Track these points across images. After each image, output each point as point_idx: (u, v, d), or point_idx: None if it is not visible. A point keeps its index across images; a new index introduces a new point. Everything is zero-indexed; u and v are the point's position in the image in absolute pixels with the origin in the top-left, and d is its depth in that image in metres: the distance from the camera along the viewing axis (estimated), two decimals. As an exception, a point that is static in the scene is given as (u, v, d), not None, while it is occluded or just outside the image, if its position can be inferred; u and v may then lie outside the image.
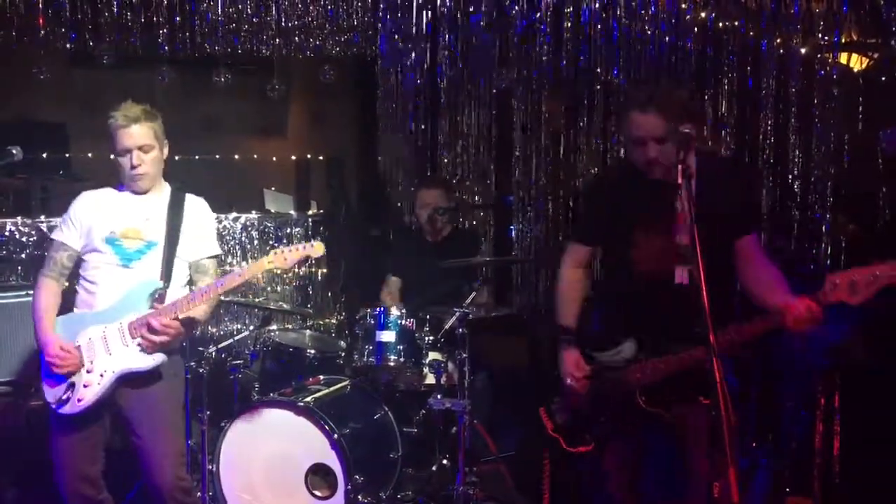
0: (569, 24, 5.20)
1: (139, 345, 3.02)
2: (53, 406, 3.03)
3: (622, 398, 2.84)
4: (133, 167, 3.09)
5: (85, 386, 3.00)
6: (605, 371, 2.92)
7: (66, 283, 3.24)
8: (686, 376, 2.70)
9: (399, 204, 6.32)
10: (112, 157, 3.17)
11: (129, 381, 3.05)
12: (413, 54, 6.10)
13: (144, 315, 3.02)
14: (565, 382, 2.96)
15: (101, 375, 3.00)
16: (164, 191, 3.26)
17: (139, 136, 3.08)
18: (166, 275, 3.12)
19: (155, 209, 3.19)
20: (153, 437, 3.09)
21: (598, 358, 2.95)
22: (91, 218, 3.17)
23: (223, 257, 5.74)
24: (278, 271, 3.16)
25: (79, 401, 3.00)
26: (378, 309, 4.27)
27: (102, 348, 3.03)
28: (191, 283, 3.26)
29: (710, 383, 2.27)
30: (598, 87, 5.17)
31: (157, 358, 3.05)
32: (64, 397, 3.01)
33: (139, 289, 3.07)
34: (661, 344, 2.77)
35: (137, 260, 3.11)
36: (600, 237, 3.06)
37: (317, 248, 3.05)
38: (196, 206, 3.29)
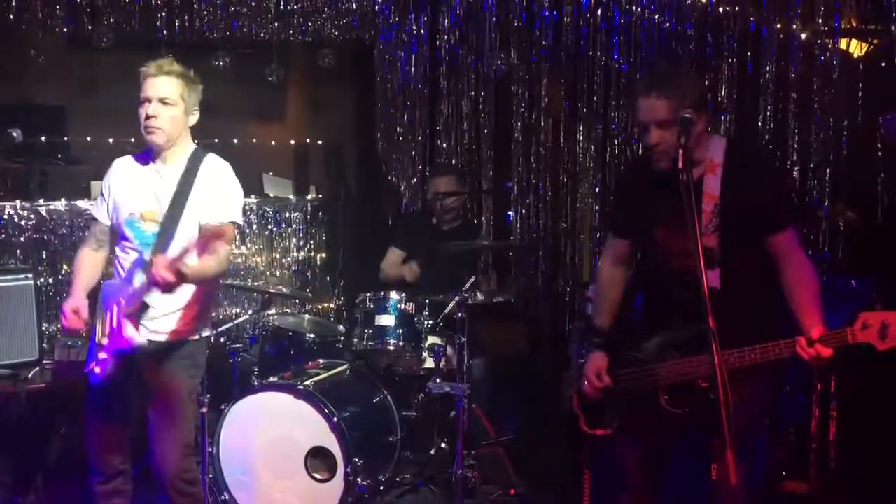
0: (568, 8, 5.18)
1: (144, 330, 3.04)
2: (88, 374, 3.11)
3: (645, 395, 2.77)
4: (147, 117, 3.00)
5: (101, 359, 3.04)
6: (633, 363, 2.83)
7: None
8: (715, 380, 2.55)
9: (401, 188, 6.31)
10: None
11: (151, 364, 3.07)
12: (412, 39, 6.08)
13: (132, 291, 3.00)
14: (582, 384, 2.90)
15: (106, 352, 3.04)
16: (183, 160, 3.13)
17: (163, 87, 3.00)
18: (159, 250, 3.02)
19: (169, 187, 3.10)
20: (163, 425, 3.13)
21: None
22: (118, 191, 3.15)
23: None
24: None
25: (97, 373, 3.05)
26: (379, 293, 4.29)
27: (109, 325, 3.06)
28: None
29: (710, 366, 2.29)
30: (598, 71, 5.16)
31: (140, 338, 3.00)
32: (88, 368, 3.09)
33: (137, 263, 3.06)
34: (691, 346, 2.66)
35: (153, 244, 3.07)
36: (628, 231, 2.98)
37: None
38: (210, 171, 3.13)
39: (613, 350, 2.89)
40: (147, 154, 3.17)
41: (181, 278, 2.80)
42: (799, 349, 2.49)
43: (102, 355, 3.02)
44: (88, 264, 3.21)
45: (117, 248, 3.19)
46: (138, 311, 3.00)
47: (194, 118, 3.15)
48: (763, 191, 2.68)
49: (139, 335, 3.00)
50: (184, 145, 3.16)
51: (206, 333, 3.26)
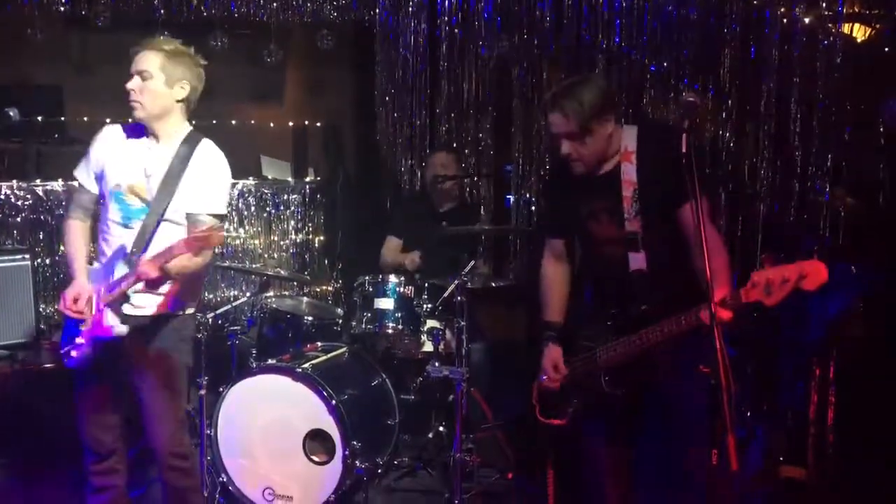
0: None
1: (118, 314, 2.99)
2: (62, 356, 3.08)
3: (590, 380, 2.89)
4: (126, 91, 3.00)
5: (78, 343, 3.01)
6: (582, 350, 2.96)
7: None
8: (653, 358, 2.72)
9: (400, 170, 6.28)
10: None
11: (137, 341, 3.02)
12: (412, 20, 6.03)
13: (113, 282, 2.96)
14: (541, 378, 3.01)
15: (84, 338, 3.01)
16: (176, 141, 3.06)
17: (141, 61, 2.98)
18: (142, 241, 2.99)
19: (160, 165, 3.03)
20: (152, 399, 3.09)
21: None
22: (106, 158, 3.09)
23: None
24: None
25: (72, 357, 3.04)
26: (378, 277, 4.28)
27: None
28: None
29: (712, 352, 2.28)
30: (600, 55, 5.12)
31: (120, 328, 2.95)
32: (64, 350, 3.07)
33: (120, 252, 3.02)
34: (626, 327, 2.78)
35: (137, 219, 3.02)
36: (561, 230, 3.12)
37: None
38: (204, 159, 3.05)
39: (568, 340, 3.01)
40: (140, 128, 3.09)
41: (165, 275, 2.84)
42: (703, 315, 2.52)
43: (80, 340, 2.99)
44: (82, 239, 3.15)
45: (101, 224, 3.12)
46: (119, 301, 2.97)
47: (182, 92, 3.04)
48: (669, 166, 2.64)
49: (119, 325, 2.96)
50: (174, 123, 3.08)
51: (190, 310, 3.18)
